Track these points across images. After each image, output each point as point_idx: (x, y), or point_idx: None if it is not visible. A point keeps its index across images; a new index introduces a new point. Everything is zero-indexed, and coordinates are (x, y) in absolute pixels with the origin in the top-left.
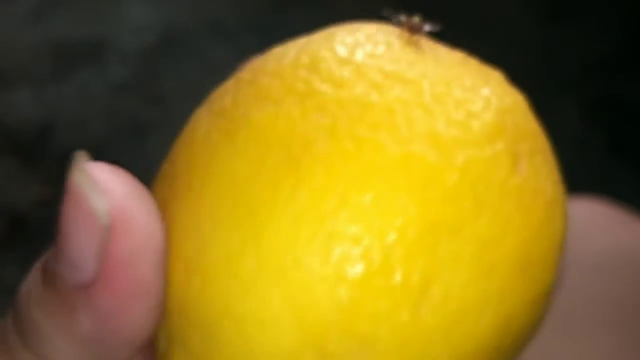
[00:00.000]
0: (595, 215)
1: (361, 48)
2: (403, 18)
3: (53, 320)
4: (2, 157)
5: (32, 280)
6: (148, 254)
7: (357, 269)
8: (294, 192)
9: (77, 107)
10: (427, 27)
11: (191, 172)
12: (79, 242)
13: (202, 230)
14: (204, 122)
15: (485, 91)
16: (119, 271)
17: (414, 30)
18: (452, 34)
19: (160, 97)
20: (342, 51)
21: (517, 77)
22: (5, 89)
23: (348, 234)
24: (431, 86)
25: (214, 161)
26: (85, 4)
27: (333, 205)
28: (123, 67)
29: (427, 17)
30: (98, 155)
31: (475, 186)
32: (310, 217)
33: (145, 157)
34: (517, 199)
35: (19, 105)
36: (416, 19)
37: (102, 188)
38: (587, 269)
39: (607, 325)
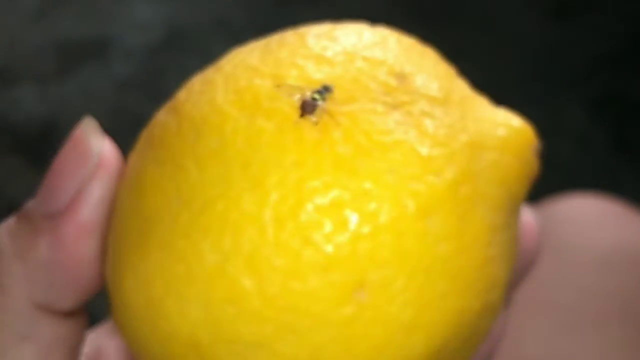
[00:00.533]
0: (602, 213)
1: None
2: (297, 97)
3: (14, 242)
4: (6, 155)
5: (8, 220)
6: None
7: None
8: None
9: (81, 105)
10: (321, 103)
11: (130, 172)
12: (67, 174)
13: (118, 242)
14: (161, 122)
15: (348, 211)
16: (87, 209)
17: (306, 109)
18: (454, 32)
19: (164, 94)
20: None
21: (522, 74)
22: (10, 86)
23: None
24: (281, 200)
25: (142, 179)
26: (89, 1)
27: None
28: (127, 64)
29: (428, 14)
30: None
31: (283, 313)
32: (161, 277)
33: None
34: (339, 329)
35: (23, 102)
36: (308, 94)
37: (101, 137)
38: (592, 266)
39: (614, 321)
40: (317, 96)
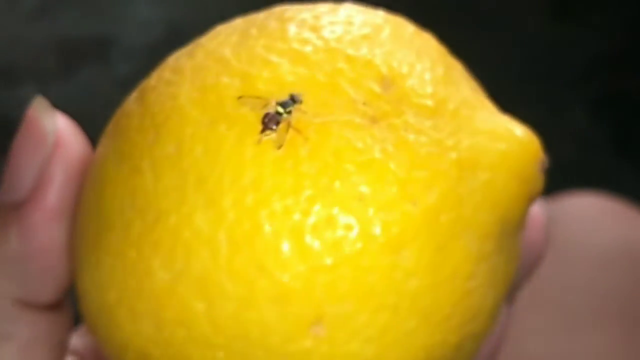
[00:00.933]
0: (601, 211)
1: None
2: (260, 109)
3: None
4: (7, 154)
5: None
6: (77, 181)
7: None
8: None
9: (82, 104)
10: (286, 116)
11: (96, 159)
12: (25, 158)
13: (81, 237)
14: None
15: (309, 238)
16: (52, 193)
17: (268, 124)
18: (455, 31)
19: None
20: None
21: (523, 74)
22: (11, 85)
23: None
24: (236, 222)
25: (101, 173)
26: (90, 1)
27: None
28: (128, 63)
29: (427, 13)
30: None
31: (235, 341)
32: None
33: None
34: None
35: (25, 101)
36: (273, 103)
37: (54, 114)
38: (592, 264)
39: (613, 318)
40: (280, 109)
